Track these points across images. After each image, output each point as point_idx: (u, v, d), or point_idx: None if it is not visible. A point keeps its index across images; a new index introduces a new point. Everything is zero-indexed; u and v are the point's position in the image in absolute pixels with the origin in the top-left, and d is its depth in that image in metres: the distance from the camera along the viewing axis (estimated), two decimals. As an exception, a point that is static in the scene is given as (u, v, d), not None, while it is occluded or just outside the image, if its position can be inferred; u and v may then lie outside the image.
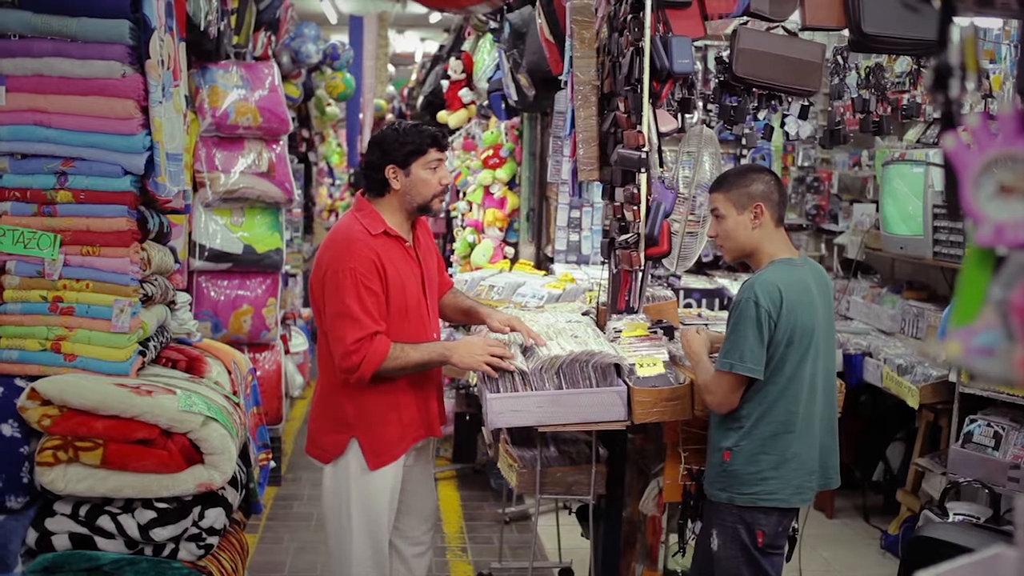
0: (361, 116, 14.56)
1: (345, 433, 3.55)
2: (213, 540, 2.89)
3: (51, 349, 2.87)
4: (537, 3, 4.67)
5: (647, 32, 3.70)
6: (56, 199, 2.88)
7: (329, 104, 9.25)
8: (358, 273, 3.42)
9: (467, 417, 6.50)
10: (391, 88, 17.51)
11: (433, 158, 3.55)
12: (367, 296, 3.42)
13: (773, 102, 4.20)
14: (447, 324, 5.01)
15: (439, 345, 3.61)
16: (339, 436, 3.57)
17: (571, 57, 4.06)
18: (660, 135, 3.87)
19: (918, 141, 5.64)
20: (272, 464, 4.02)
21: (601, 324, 4.00)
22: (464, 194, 7.74)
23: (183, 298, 3.63)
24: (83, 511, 2.79)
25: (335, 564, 3.70)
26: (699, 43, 5.11)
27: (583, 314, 4.20)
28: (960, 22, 2.51)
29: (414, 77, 14.12)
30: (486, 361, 3.46)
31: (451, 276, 4.35)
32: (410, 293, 3.56)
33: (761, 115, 4.35)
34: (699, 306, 5.80)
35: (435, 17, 13.50)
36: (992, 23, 4.10)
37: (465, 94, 8.11)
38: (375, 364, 3.40)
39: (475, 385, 3.85)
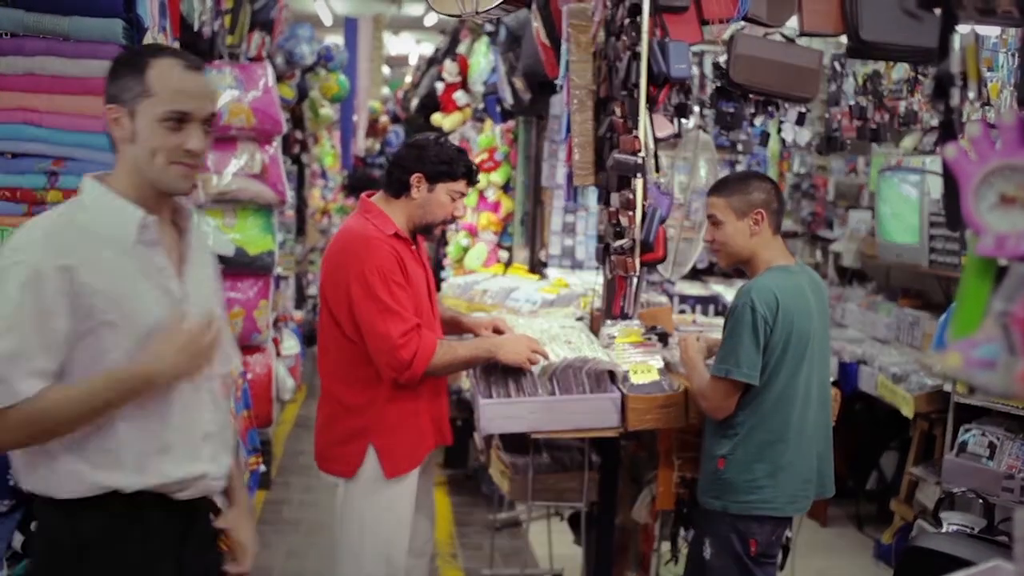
0: (355, 118, 14.54)
1: (362, 440, 3.41)
2: (202, 545, 2.85)
3: (39, 351, 2.84)
4: (534, 6, 4.65)
5: (644, 37, 3.68)
6: (46, 199, 2.85)
7: (323, 106, 9.22)
8: (384, 270, 3.33)
9: (459, 422, 6.47)
10: (386, 90, 17.51)
11: (460, 188, 3.52)
12: (398, 291, 3.33)
13: (770, 108, 4.18)
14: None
15: (483, 341, 3.56)
16: (356, 445, 3.42)
17: (567, 61, 4.04)
18: (656, 140, 3.86)
19: (915, 149, 5.63)
20: (262, 468, 3.99)
21: (595, 330, 3.98)
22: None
23: (174, 300, 3.59)
24: (71, 515, 2.76)
25: None
26: (696, 48, 5.09)
27: (577, 319, 4.18)
28: (961, 30, 2.49)
29: (409, 79, 14.11)
30: (529, 357, 3.44)
31: (442, 280, 4.31)
32: (420, 296, 3.50)
33: (758, 121, 4.33)
34: (694, 312, 5.79)
35: (430, 19, 13.49)
36: (989, 31, 4.09)
37: (460, 97, 8.09)
38: (427, 358, 3.30)
39: (468, 390, 3.82)
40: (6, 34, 2.86)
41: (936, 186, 5.16)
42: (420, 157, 3.49)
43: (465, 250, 7.25)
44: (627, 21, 3.74)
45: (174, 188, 2.22)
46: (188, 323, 2.22)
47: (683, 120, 4.08)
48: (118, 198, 2.19)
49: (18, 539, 2.75)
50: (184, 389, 2.25)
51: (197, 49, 4.97)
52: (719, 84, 4.17)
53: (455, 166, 3.49)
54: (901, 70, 4.94)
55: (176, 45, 3.39)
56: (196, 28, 4.38)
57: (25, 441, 2.14)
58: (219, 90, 2.06)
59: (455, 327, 3.82)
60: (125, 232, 2.17)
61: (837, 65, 5.53)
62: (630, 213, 3.75)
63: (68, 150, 2.86)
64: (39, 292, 2.06)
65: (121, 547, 2.22)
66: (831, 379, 3.50)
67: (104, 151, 2.86)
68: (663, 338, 3.83)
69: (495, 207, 7.11)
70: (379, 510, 3.44)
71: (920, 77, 4.68)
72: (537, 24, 4.71)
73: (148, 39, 2.90)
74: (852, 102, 5.25)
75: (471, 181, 3.57)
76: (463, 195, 3.56)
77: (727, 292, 5.95)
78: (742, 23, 3.96)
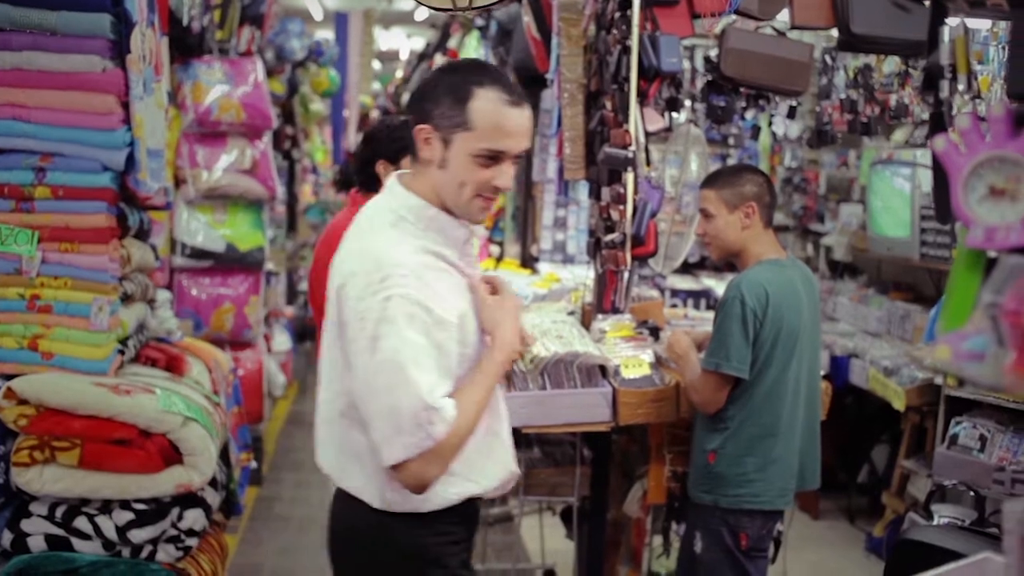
0: (346, 113, 14.51)
1: None
2: (192, 542, 2.85)
3: (28, 348, 2.83)
4: (524, 1, 4.64)
5: (635, 30, 3.67)
6: (34, 195, 2.83)
7: (313, 101, 9.20)
8: None
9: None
10: (376, 85, 17.47)
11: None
12: None
13: (761, 102, 4.18)
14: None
15: None
16: None
17: (558, 55, 4.03)
18: (647, 134, 3.85)
19: (906, 142, 5.64)
20: (253, 464, 3.96)
21: (586, 324, 3.97)
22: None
23: (163, 296, 3.59)
24: (59, 512, 2.75)
25: None
26: (687, 42, 5.08)
27: (568, 314, 4.17)
28: (951, 22, 2.49)
29: (400, 74, 14.08)
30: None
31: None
32: None
33: (749, 115, 4.32)
34: (685, 306, 5.79)
35: (421, 14, 13.46)
36: (980, 24, 4.09)
37: (451, 91, 8.06)
38: None
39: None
40: (-7, 29, 2.84)
41: (927, 179, 5.16)
42: (375, 146, 3.54)
43: (456, 245, 7.23)
44: (618, 15, 3.73)
45: (472, 219, 2.24)
46: (496, 292, 2.30)
47: (674, 114, 4.08)
48: (441, 213, 2.20)
49: (7, 537, 2.75)
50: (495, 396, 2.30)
51: (186, 44, 4.96)
52: (710, 78, 4.16)
53: (408, 138, 3.47)
54: (892, 63, 4.94)
55: (164, 41, 3.38)
56: (185, 23, 4.37)
57: (452, 461, 2.14)
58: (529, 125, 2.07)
59: None
60: (452, 248, 2.22)
61: (828, 59, 5.53)
62: (621, 207, 3.74)
63: (56, 145, 2.85)
64: (423, 322, 2.07)
65: (454, 549, 2.26)
66: (822, 373, 3.50)
67: (92, 147, 2.84)
68: (654, 332, 3.82)
69: (486, 202, 7.08)
70: None
71: (911, 70, 4.67)
72: (528, 18, 4.71)
73: (136, 34, 2.88)
74: (843, 95, 5.24)
75: None
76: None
77: (718, 286, 5.95)
78: (733, 17, 3.96)
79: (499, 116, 2.12)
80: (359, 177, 3.62)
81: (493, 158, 2.13)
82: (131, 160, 2.89)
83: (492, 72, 2.20)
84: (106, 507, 2.77)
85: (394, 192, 2.25)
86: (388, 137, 3.52)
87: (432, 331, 2.08)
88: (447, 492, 2.19)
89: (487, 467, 2.26)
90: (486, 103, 2.12)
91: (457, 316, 2.14)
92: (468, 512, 2.29)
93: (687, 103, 4.68)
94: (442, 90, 2.17)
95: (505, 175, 2.16)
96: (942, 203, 3.05)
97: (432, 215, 2.19)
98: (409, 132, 3.46)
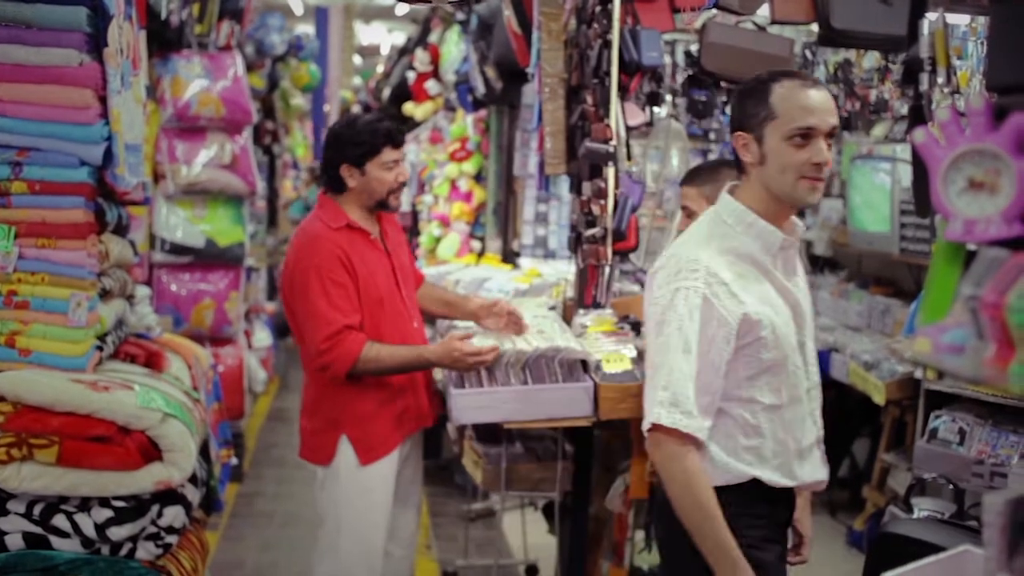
0: (327, 108, 14.48)
1: (335, 431, 3.47)
2: (172, 539, 2.83)
3: (5, 344, 2.80)
4: (505, -5, 4.63)
5: (615, 24, 3.67)
6: (10, 190, 2.80)
7: (294, 96, 9.17)
8: (322, 269, 3.37)
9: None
10: (357, 80, 17.42)
11: (389, 158, 3.47)
12: (333, 289, 3.36)
13: (741, 96, 4.18)
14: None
15: (417, 349, 3.49)
16: (330, 435, 3.49)
17: (539, 50, 4.02)
18: (628, 129, 3.84)
19: (886, 137, 5.65)
20: (234, 461, 3.95)
21: (568, 319, 3.97)
22: (430, 187, 7.69)
23: (143, 292, 3.57)
24: (37, 510, 2.72)
25: (323, 568, 3.58)
26: (668, 37, 5.09)
27: (550, 309, 4.17)
28: (930, 16, 2.50)
29: (380, 69, 14.05)
30: (470, 365, 3.37)
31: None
32: (382, 284, 3.50)
33: (729, 110, 4.32)
34: (666, 301, 5.77)
35: (402, 8, 13.43)
36: (959, 20, 4.11)
37: (432, 86, 8.05)
38: (348, 363, 3.33)
39: (440, 380, 3.80)
40: (-33, 22, 2.80)
41: (907, 175, 5.18)
42: (338, 149, 3.49)
43: (438, 240, 7.23)
44: (598, 9, 3.73)
45: (804, 201, 2.38)
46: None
47: (655, 108, 4.07)
48: (760, 220, 2.38)
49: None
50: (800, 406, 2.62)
51: (165, 38, 4.93)
52: (691, 72, 4.17)
53: (373, 140, 3.45)
54: (872, 58, 4.96)
55: (142, 34, 3.35)
56: (164, 17, 4.35)
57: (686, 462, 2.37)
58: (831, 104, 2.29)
59: (454, 307, 3.83)
60: (767, 254, 2.40)
61: (808, 53, 5.53)
62: (602, 202, 3.74)
63: (32, 140, 2.81)
64: (704, 315, 2.31)
65: (752, 522, 2.46)
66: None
67: (69, 141, 2.81)
68: (636, 327, 3.82)
69: (467, 197, 7.08)
70: (354, 496, 3.48)
71: (891, 65, 4.69)
72: (508, 12, 4.69)
73: (113, 28, 2.86)
74: (823, 90, 5.25)
75: (396, 144, 3.50)
76: (397, 161, 3.51)
77: (700, 281, 5.94)
78: (713, 11, 3.96)
79: (798, 97, 2.29)
80: (325, 178, 3.58)
81: (805, 136, 2.28)
82: (109, 155, 2.86)
83: (784, 71, 2.39)
84: (85, 505, 2.74)
85: (722, 200, 2.46)
86: (352, 140, 3.46)
87: (709, 325, 2.30)
88: (738, 468, 2.42)
89: (783, 464, 2.50)
90: (783, 90, 2.30)
91: (740, 317, 2.31)
92: (770, 493, 2.48)
93: (668, 98, 4.68)
94: (744, 98, 2.38)
95: (820, 151, 2.29)
96: (922, 196, 3.07)
97: (751, 220, 2.38)
98: (373, 134, 3.45)
